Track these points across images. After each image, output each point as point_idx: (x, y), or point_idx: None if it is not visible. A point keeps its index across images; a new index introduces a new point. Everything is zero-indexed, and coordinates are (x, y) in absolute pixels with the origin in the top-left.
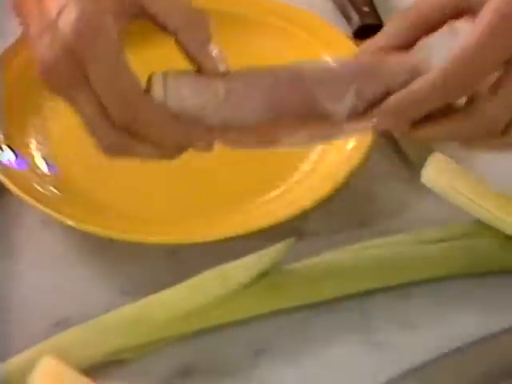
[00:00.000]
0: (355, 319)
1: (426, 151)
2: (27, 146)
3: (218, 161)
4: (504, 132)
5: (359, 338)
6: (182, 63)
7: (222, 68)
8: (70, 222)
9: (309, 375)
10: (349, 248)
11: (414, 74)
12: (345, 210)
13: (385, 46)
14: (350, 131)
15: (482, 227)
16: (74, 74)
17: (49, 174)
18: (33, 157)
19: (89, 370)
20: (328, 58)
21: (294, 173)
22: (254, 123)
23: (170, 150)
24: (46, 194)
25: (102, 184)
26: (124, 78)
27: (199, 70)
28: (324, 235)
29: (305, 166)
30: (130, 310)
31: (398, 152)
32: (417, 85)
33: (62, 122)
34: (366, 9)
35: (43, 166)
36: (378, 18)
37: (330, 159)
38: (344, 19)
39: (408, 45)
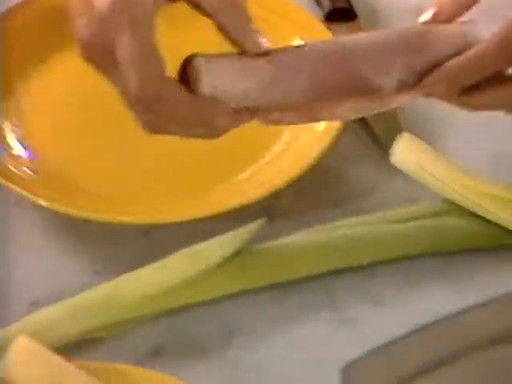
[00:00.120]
0: (323, 298)
1: (396, 131)
2: (1, 128)
3: (189, 141)
4: None
5: (329, 315)
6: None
7: (264, 47)
8: (43, 203)
9: (279, 354)
10: (320, 228)
11: (462, 44)
12: (316, 190)
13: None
14: (397, 102)
15: (451, 206)
16: (109, 50)
17: (23, 155)
18: (7, 139)
19: (63, 349)
20: (300, 42)
21: (265, 153)
22: (298, 103)
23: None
24: (21, 175)
25: (76, 165)
26: (150, 56)
27: (241, 52)
28: (296, 216)
29: (276, 147)
30: (103, 289)
31: (369, 133)
32: (471, 52)
33: (37, 103)
34: None
35: (18, 148)
36: (348, 1)
37: (302, 140)
38: (315, 3)
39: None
